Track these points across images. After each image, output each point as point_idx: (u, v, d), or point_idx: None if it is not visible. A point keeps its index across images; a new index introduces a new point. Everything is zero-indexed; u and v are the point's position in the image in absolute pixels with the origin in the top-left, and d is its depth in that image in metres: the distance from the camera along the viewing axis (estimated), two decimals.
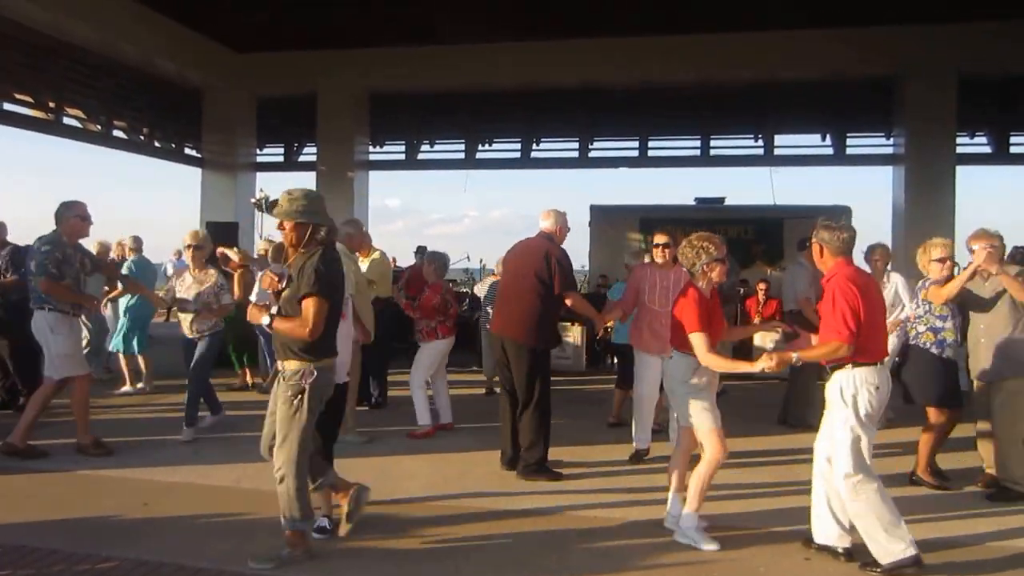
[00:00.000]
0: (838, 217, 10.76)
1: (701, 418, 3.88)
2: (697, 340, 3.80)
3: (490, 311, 6.64)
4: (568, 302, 5.13)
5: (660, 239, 5.55)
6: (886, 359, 3.91)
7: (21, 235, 7.16)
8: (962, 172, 10.91)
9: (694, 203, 12.91)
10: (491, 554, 3.83)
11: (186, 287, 6.07)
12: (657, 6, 10.12)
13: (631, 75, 11.55)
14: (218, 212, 11.85)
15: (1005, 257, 7.20)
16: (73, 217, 5.39)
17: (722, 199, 12.87)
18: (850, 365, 3.56)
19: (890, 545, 3.47)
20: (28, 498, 4.57)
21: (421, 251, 10.64)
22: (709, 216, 11.90)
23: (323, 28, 11.45)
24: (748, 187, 32.01)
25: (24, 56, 9.81)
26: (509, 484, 4.93)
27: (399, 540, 3.91)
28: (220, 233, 9.04)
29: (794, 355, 3.70)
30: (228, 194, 12.48)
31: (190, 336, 6.09)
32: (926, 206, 10.52)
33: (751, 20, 10.39)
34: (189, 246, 6.18)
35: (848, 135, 12.50)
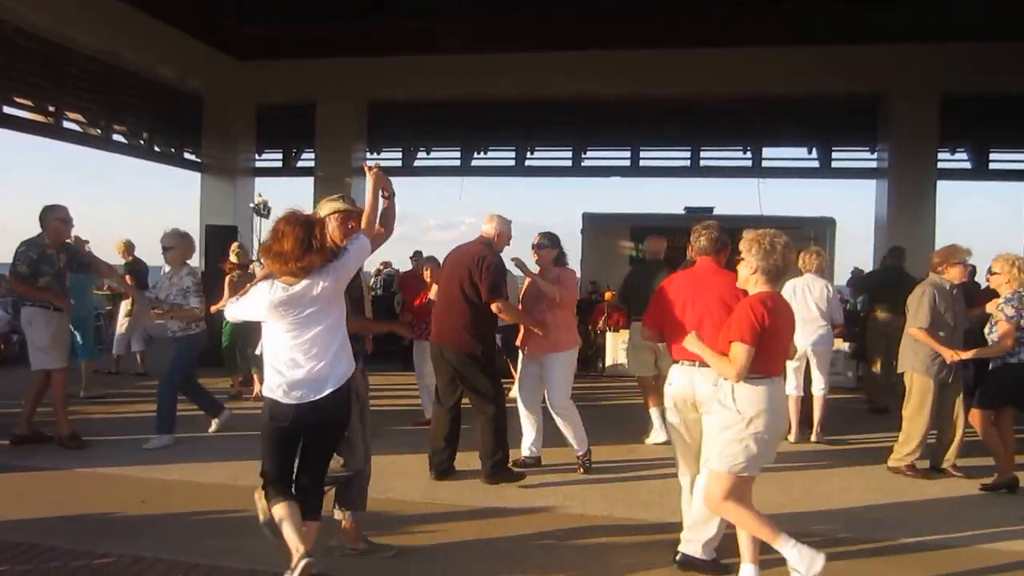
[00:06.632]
0: (823, 228, 11.12)
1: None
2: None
3: None
4: (494, 308, 4.90)
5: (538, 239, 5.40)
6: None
7: None
8: (942, 186, 11.21)
9: (684, 212, 13.08)
10: (480, 551, 3.88)
11: (163, 288, 6.00)
12: (651, 22, 10.32)
13: (625, 88, 11.75)
14: (217, 216, 11.98)
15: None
16: (54, 220, 5.63)
17: (711, 209, 13.03)
18: None
19: None
20: (27, 495, 4.61)
21: (417, 256, 10.82)
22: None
23: (323, 38, 11.63)
24: (736, 198, 32.31)
25: (26, 62, 9.92)
26: (500, 483, 4.95)
27: (389, 537, 3.93)
28: (219, 236, 9.26)
29: None
30: (227, 198, 12.62)
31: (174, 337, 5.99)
32: (908, 219, 10.77)
33: (742, 37, 10.65)
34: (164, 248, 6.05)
35: (833, 149, 12.73)
